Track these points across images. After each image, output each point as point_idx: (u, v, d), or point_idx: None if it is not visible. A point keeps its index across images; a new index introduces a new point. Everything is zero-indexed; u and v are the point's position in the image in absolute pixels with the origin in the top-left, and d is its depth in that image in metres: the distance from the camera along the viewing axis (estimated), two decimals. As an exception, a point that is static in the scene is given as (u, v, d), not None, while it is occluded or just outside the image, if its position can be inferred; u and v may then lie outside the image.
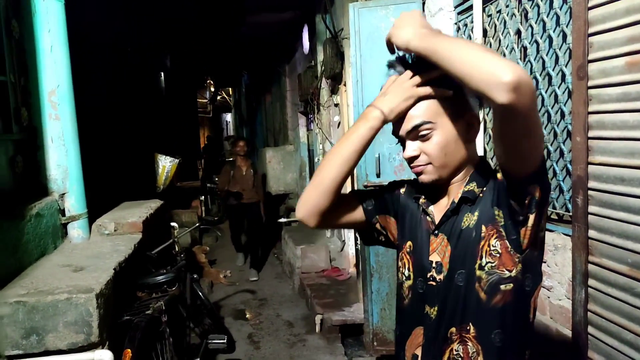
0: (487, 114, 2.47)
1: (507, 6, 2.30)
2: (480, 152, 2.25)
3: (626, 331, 1.56)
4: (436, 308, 1.07)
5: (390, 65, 1.09)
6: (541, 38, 2.06)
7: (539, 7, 2.05)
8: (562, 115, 1.97)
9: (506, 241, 0.99)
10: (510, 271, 1.00)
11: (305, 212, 1.16)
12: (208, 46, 8.82)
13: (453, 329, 1.05)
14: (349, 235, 4.79)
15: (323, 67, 4.83)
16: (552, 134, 2.03)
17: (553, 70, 2.01)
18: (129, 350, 2.04)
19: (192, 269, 3.65)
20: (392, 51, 1.05)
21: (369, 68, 3.08)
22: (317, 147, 6.16)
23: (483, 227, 1.01)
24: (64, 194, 2.66)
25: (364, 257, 3.23)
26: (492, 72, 0.81)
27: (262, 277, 5.79)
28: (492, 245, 1.00)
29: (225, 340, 3.09)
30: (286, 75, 7.77)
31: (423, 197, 1.15)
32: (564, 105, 1.94)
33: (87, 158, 2.83)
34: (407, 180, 1.25)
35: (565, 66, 1.92)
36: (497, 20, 2.39)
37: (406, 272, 1.16)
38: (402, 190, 1.23)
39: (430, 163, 1.05)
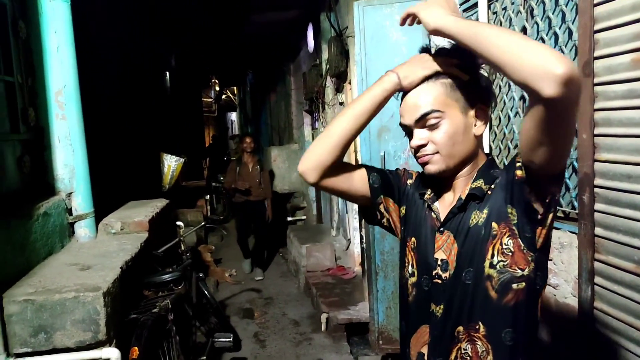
0: (492, 112, 2.47)
1: (512, 3, 2.29)
2: (485, 150, 2.24)
3: (632, 329, 1.55)
4: (442, 306, 1.07)
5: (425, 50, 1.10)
6: (547, 35, 2.05)
7: (544, 3, 2.04)
8: (568, 113, 1.96)
9: (519, 240, 0.98)
10: (522, 270, 0.98)
11: (307, 164, 1.15)
12: (213, 45, 8.84)
13: (460, 328, 1.04)
14: (355, 234, 4.79)
15: (328, 66, 4.83)
16: (558, 131, 2.02)
17: (559, 67, 1.99)
18: (136, 348, 2.05)
19: (197, 267, 3.67)
20: (402, 24, 1.04)
21: (374, 66, 3.08)
22: (322, 146, 6.15)
23: (495, 225, 1.00)
24: (71, 193, 2.67)
25: (370, 256, 3.23)
26: (543, 62, 0.76)
27: (268, 276, 5.80)
28: (505, 244, 0.99)
29: (231, 339, 3.10)
30: (291, 73, 7.78)
31: (428, 193, 1.14)
32: (570, 102, 1.93)
33: (93, 157, 2.84)
34: (415, 173, 1.24)
35: (571, 63, 1.90)
36: (503, 17, 2.38)
37: (410, 269, 1.15)
38: (410, 182, 1.22)
39: (437, 152, 1.04)
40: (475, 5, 2.55)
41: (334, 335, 3.88)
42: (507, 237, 0.99)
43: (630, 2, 1.50)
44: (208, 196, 8.63)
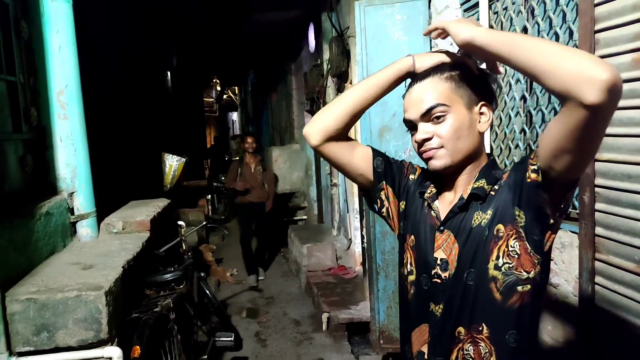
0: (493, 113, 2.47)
1: (513, 3, 2.29)
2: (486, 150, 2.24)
3: (633, 328, 1.55)
4: (441, 306, 1.07)
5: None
6: (547, 35, 2.05)
7: (545, 3, 2.04)
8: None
9: (526, 242, 0.97)
10: (528, 272, 0.98)
11: (312, 127, 1.18)
12: (214, 45, 8.85)
13: (461, 329, 1.04)
14: (356, 233, 4.79)
15: (329, 66, 4.83)
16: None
17: (559, 67, 1.99)
18: (138, 347, 2.06)
19: (199, 267, 3.68)
20: (426, 34, 1.07)
21: (375, 66, 3.08)
22: (323, 146, 6.15)
23: (501, 227, 0.99)
24: (72, 193, 2.68)
25: (370, 256, 3.24)
26: (586, 68, 0.75)
27: (269, 275, 5.81)
28: (511, 246, 0.98)
29: (232, 338, 3.11)
30: (292, 73, 7.78)
31: (428, 191, 1.14)
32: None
33: (95, 157, 2.85)
34: (420, 168, 1.24)
35: (572, 63, 1.91)
36: (504, 17, 2.38)
37: (409, 267, 1.15)
38: (412, 178, 1.21)
39: (442, 147, 1.04)
40: (476, 5, 2.55)
41: (335, 335, 3.88)
42: (514, 239, 0.98)
43: (631, 2, 1.50)
44: (209, 196, 8.64)
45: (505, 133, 2.39)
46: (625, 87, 1.54)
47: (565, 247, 1.91)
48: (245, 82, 13.55)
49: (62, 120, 2.62)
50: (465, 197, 1.05)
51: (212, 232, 7.43)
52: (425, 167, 1.11)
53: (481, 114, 1.05)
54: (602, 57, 1.61)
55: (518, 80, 2.26)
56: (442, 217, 1.09)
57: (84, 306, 1.90)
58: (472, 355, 1.03)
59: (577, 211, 1.80)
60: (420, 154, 1.09)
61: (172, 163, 6.50)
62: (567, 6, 1.90)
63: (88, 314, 1.91)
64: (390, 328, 3.23)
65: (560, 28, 1.95)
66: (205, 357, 2.98)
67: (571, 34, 1.89)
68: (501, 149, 2.44)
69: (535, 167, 0.94)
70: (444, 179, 1.11)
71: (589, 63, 0.76)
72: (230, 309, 4.69)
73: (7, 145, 2.32)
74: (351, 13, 3.87)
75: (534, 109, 2.12)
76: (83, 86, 2.71)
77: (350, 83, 4.34)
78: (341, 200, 5.29)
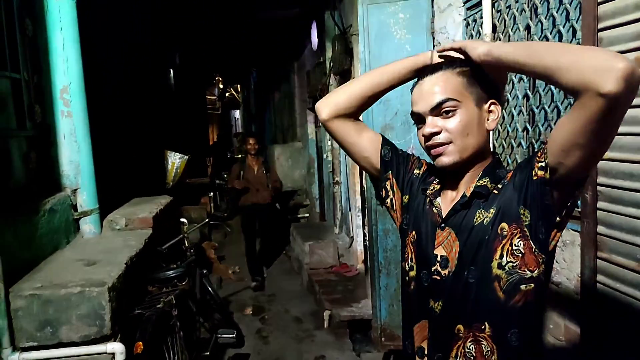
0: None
1: (516, 1, 2.29)
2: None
3: (634, 327, 1.55)
4: (440, 303, 1.07)
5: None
6: (551, 33, 2.05)
7: (548, 2, 2.04)
8: (572, 111, 1.96)
9: (530, 241, 0.97)
10: (532, 271, 0.98)
11: (324, 102, 1.22)
12: (217, 43, 8.86)
13: (461, 327, 1.04)
14: (358, 231, 4.80)
15: (332, 64, 4.84)
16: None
17: (562, 65, 1.99)
18: (140, 343, 2.07)
19: (201, 264, 3.69)
20: (440, 51, 1.10)
21: (377, 64, 3.08)
22: (325, 144, 6.17)
23: (505, 226, 0.99)
24: (76, 189, 2.70)
25: (372, 253, 3.24)
26: (603, 58, 0.78)
27: (271, 273, 5.82)
28: (515, 245, 0.98)
29: (234, 335, 3.12)
30: (295, 72, 7.79)
31: (431, 188, 1.14)
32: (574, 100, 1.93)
33: (98, 154, 2.86)
34: (426, 163, 1.24)
35: (575, 62, 1.91)
36: (507, 15, 2.38)
37: (409, 263, 1.15)
38: (417, 172, 1.22)
39: (450, 142, 1.03)
40: (479, 3, 2.55)
41: (336, 332, 3.89)
42: (518, 238, 0.98)
43: (634, 1, 1.50)
44: (212, 193, 8.66)
45: (508, 131, 2.39)
46: (628, 85, 1.54)
47: (567, 246, 1.92)
48: (248, 80, 13.55)
49: (65, 117, 2.63)
50: (468, 195, 1.05)
51: (214, 229, 7.44)
52: (432, 162, 1.11)
53: (490, 111, 1.05)
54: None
55: (521, 79, 2.26)
56: (444, 214, 1.09)
57: (87, 302, 1.91)
58: (474, 354, 1.03)
59: (579, 210, 1.81)
60: (427, 148, 1.08)
61: (175, 160, 6.51)
62: (570, 4, 1.90)
63: (91, 309, 1.92)
64: (391, 326, 3.24)
65: (563, 26, 1.95)
66: (208, 353, 3.00)
67: (574, 32, 1.89)
68: (504, 147, 2.45)
69: (542, 163, 0.94)
70: (448, 176, 1.11)
71: (606, 55, 0.79)
72: (232, 306, 4.70)
73: (11, 142, 2.33)
74: (354, 11, 3.87)
75: (537, 107, 2.12)
76: (86, 83, 2.72)
77: (353, 81, 4.34)
78: (343, 198, 5.30)
